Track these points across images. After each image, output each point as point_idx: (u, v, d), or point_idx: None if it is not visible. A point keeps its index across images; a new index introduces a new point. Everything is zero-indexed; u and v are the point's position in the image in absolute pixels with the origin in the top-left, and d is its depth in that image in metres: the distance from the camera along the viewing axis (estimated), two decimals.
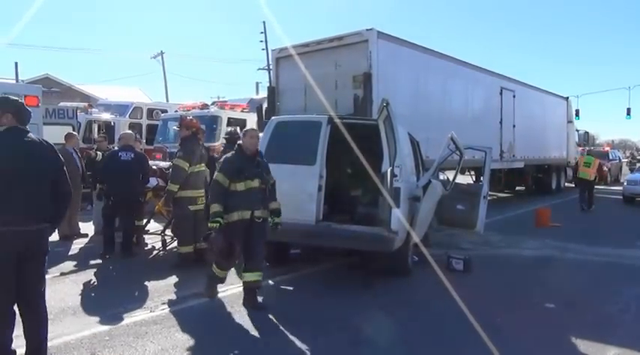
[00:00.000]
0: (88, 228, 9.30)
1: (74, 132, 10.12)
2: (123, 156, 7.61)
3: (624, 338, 4.52)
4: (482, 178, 9.08)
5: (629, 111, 33.47)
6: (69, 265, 7.04)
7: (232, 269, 6.95)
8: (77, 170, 8.91)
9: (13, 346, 3.91)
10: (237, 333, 4.58)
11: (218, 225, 4.97)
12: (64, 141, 9.08)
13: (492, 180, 14.41)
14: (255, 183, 5.19)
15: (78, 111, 14.15)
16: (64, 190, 3.71)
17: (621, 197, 16.31)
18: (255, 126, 12.56)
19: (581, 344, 4.40)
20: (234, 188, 5.12)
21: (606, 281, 6.68)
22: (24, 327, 3.54)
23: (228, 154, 5.40)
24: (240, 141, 5.39)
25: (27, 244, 3.45)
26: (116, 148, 8.44)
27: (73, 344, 4.22)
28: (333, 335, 4.53)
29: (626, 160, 29.31)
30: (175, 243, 7.55)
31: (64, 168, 3.75)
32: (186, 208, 6.85)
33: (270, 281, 6.36)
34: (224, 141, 8.80)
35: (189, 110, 13.10)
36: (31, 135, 3.60)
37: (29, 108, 3.75)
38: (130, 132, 8.87)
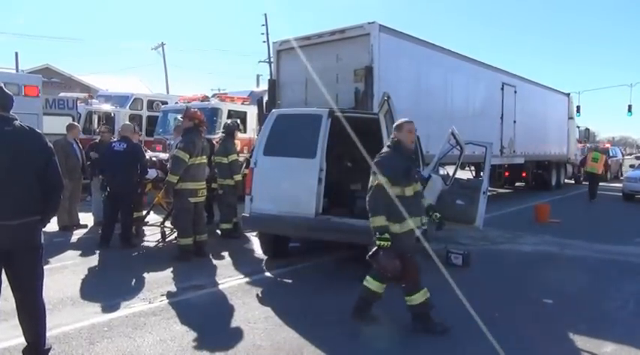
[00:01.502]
0: (87, 218, 9.31)
1: (75, 123, 10.09)
2: (116, 146, 7.68)
3: (622, 335, 4.53)
4: (482, 173, 9.07)
5: (630, 108, 33.43)
6: (68, 255, 7.05)
7: (231, 260, 6.98)
8: (77, 161, 8.91)
9: (13, 338, 3.93)
10: (236, 325, 4.58)
11: (389, 243, 4.25)
12: (65, 132, 9.09)
13: (492, 176, 14.49)
14: (419, 185, 4.56)
15: (78, 101, 14.13)
16: (53, 181, 3.50)
17: (621, 194, 16.34)
18: (255, 119, 12.66)
19: (579, 340, 4.42)
20: (401, 193, 4.36)
21: (605, 277, 6.69)
22: (22, 320, 3.51)
23: (385, 154, 4.51)
24: (397, 137, 4.52)
25: (11, 239, 3.30)
26: (114, 139, 8.47)
27: (72, 334, 4.23)
28: (333, 328, 4.54)
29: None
30: (175, 235, 7.56)
31: (54, 158, 3.53)
32: (187, 200, 6.85)
33: (270, 274, 6.37)
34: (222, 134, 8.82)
35: (189, 102, 13.07)
36: (15, 122, 3.39)
37: (9, 94, 3.48)
38: (128, 123, 8.86)
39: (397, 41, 10.02)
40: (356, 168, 7.88)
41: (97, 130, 13.82)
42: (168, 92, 29.12)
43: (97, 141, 9.46)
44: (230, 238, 8.24)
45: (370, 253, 4.35)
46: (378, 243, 4.27)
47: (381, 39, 9.30)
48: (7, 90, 3.48)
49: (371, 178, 4.44)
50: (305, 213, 6.22)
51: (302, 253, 7.52)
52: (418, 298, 4.44)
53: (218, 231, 8.57)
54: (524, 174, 18.16)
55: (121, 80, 32.68)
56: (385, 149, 4.59)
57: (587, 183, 16.90)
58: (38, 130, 3.57)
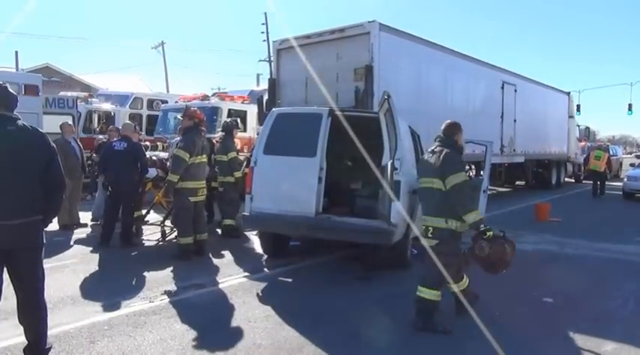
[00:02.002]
0: (88, 217, 9.31)
1: (68, 122, 9.88)
2: (117, 145, 7.70)
3: (622, 334, 4.53)
4: (482, 172, 9.07)
5: (630, 106, 33.50)
6: (68, 254, 7.06)
7: (231, 259, 6.99)
8: (77, 160, 8.90)
9: (14, 337, 3.93)
10: (237, 324, 4.59)
11: (492, 232, 4.39)
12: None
13: (492, 175, 14.50)
14: None
15: (78, 100, 14.12)
16: (55, 181, 3.49)
17: (621, 193, 16.34)
18: (255, 118, 12.66)
19: (579, 339, 4.42)
20: None
21: (605, 276, 6.69)
22: (23, 320, 3.51)
23: (453, 153, 4.51)
24: (456, 138, 4.72)
25: (13, 239, 3.29)
26: (114, 139, 8.50)
27: (72, 333, 4.23)
28: (333, 326, 4.54)
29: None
30: (175, 234, 7.56)
31: (57, 158, 3.52)
32: (187, 199, 6.84)
33: (270, 273, 6.37)
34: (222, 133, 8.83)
35: (189, 101, 13.07)
36: (19, 122, 3.39)
37: (12, 93, 3.46)
38: (129, 122, 8.86)
39: (397, 40, 10.02)
40: (356, 167, 7.89)
41: (99, 129, 13.85)
42: (168, 91, 29.13)
43: (105, 140, 9.45)
44: (231, 237, 8.24)
45: (475, 249, 4.43)
46: (487, 234, 4.36)
47: (381, 38, 9.30)
48: (10, 90, 3.48)
49: (447, 179, 4.38)
50: (305, 212, 6.22)
51: (302, 252, 7.53)
52: (428, 294, 4.46)
53: (218, 230, 8.58)
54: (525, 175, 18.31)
55: (121, 79, 32.66)
56: (446, 148, 4.55)
57: (588, 181, 17.86)
58: (41, 130, 3.57)
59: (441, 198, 4.43)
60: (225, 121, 9.40)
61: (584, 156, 19.21)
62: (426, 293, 4.46)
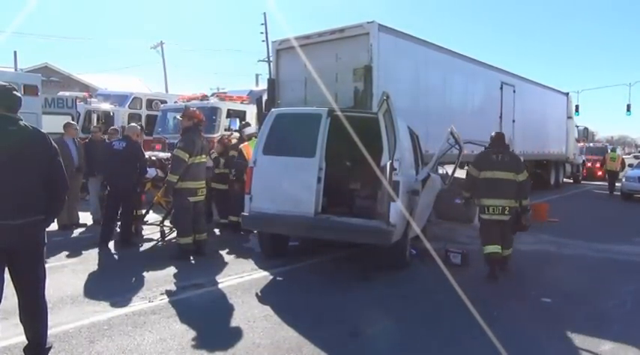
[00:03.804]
0: (87, 217, 9.32)
1: (72, 122, 9.90)
2: (116, 145, 7.72)
3: (619, 333, 4.55)
4: None
5: (629, 107, 33.50)
6: (67, 254, 7.05)
7: (230, 259, 7.00)
8: (70, 160, 8.81)
9: (14, 337, 3.93)
10: (236, 324, 4.60)
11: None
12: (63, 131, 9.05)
13: None
14: None
15: (77, 100, 14.11)
16: (57, 181, 3.52)
17: (619, 193, 16.38)
18: (254, 118, 12.66)
19: (577, 338, 4.44)
20: None
21: (602, 276, 6.71)
22: (24, 320, 3.53)
23: (518, 155, 6.49)
24: (508, 143, 6.45)
25: (15, 239, 3.31)
26: (114, 138, 8.51)
27: (72, 332, 4.24)
28: (332, 326, 4.56)
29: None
30: (174, 234, 7.57)
31: (58, 158, 3.55)
32: (186, 199, 6.85)
33: (269, 273, 6.38)
34: (237, 135, 8.90)
35: (189, 101, 13.07)
36: (21, 123, 3.41)
37: (15, 95, 3.48)
38: (134, 125, 8.81)
39: (396, 40, 10.01)
40: (355, 167, 7.90)
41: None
42: (167, 91, 29.11)
43: (87, 140, 9.52)
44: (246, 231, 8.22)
45: (522, 220, 6.54)
46: (529, 211, 6.72)
47: (380, 38, 9.29)
48: (14, 92, 3.49)
49: (519, 175, 6.28)
50: (304, 212, 6.23)
51: (301, 252, 7.54)
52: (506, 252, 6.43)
53: (216, 230, 8.58)
54: None
55: (120, 79, 32.65)
56: (511, 152, 6.49)
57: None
58: (43, 131, 3.58)
59: (516, 187, 6.23)
60: (242, 123, 10.11)
61: (601, 158, 20.78)
62: (506, 252, 6.34)
